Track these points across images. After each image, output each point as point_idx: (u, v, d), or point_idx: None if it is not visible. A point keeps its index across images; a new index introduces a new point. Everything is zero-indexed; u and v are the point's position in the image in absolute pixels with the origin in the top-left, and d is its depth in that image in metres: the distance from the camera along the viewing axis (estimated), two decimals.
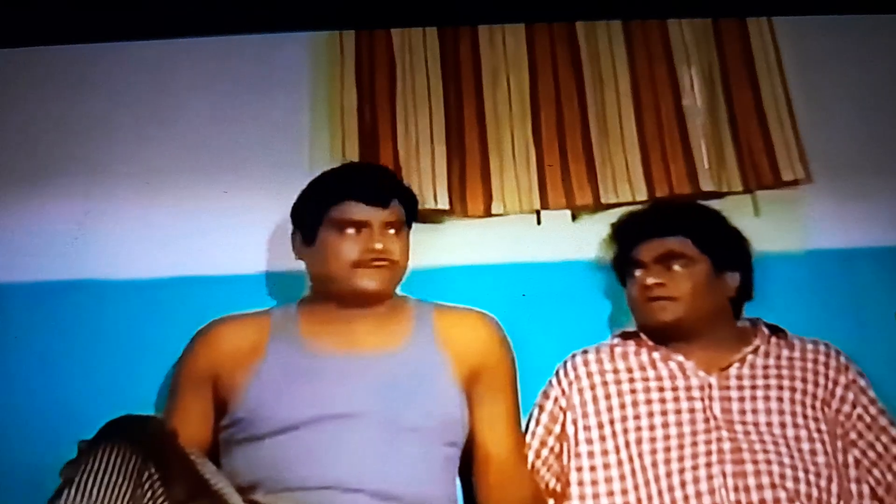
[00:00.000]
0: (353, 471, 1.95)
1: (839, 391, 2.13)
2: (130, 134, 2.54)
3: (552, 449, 2.16)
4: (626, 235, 2.27)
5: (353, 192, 2.10)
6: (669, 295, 2.14)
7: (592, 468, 2.08)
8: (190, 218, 2.46)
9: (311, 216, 2.13)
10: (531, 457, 2.16)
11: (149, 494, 1.74)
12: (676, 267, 2.16)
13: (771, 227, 2.44)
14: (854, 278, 2.39)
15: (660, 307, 2.15)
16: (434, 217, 2.46)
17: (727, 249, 2.21)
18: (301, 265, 2.19)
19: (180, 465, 1.80)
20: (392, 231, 2.11)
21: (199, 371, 2.10)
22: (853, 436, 2.09)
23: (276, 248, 2.38)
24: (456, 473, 2.09)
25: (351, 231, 2.09)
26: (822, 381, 2.13)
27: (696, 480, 2.00)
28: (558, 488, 2.14)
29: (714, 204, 2.42)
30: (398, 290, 2.17)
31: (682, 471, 2.02)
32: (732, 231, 2.26)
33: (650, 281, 2.16)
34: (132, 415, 1.89)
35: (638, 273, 2.19)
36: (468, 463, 2.12)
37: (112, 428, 1.81)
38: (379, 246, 2.08)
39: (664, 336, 2.17)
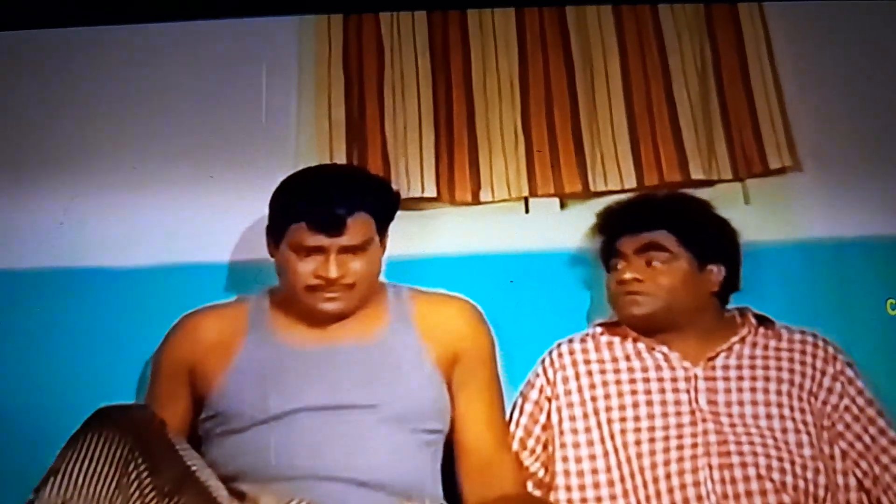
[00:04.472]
0: (337, 460, 1.95)
1: (827, 382, 2.12)
2: (116, 119, 2.51)
3: (538, 438, 2.15)
4: (611, 227, 2.25)
5: (303, 217, 2.01)
6: (645, 291, 2.14)
7: (578, 459, 2.08)
8: (176, 204, 2.44)
9: (274, 228, 2.08)
10: (516, 446, 2.15)
11: (135, 484, 1.75)
12: (657, 262, 2.14)
13: (761, 216, 2.42)
14: (844, 268, 2.37)
15: (633, 300, 2.14)
16: (421, 205, 2.44)
17: (711, 243, 2.19)
18: None
19: (167, 455, 1.80)
20: (351, 253, 2.02)
21: (176, 363, 2.09)
22: (840, 427, 2.09)
23: (263, 235, 2.36)
24: (439, 460, 2.08)
25: (306, 255, 2.02)
26: (809, 371, 2.12)
27: (681, 472, 2.00)
28: (546, 478, 2.13)
29: (704, 192, 2.41)
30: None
31: (667, 462, 2.01)
32: (718, 222, 2.24)
33: (628, 275, 2.15)
34: (121, 403, 1.90)
35: (619, 266, 2.18)
36: (452, 449, 2.11)
37: (100, 416, 1.81)
38: (333, 274, 2.01)
39: (643, 328, 2.16)
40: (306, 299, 2.05)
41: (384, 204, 2.11)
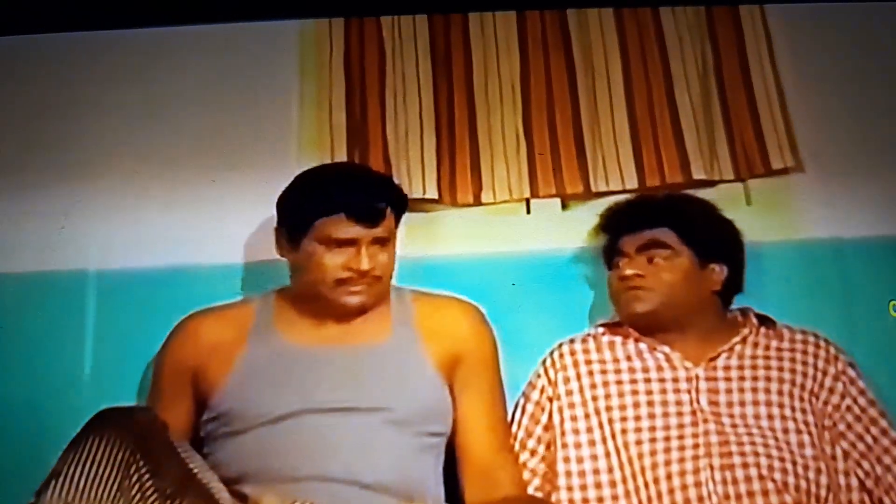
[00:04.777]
0: (340, 462, 1.94)
1: (828, 382, 2.11)
2: (118, 123, 2.52)
3: (539, 439, 2.14)
4: (613, 225, 2.26)
5: (343, 208, 2.01)
6: (647, 286, 2.14)
7: (579, 459, 2.07)
8: (178, 207, 2.45)
9: (297, 223, 2.07)
10: (518, 446, 2.14)
11: (136, 486, 1.73)
12: (658, 259, 2.15)
13: (762, 217, 2.42)
14: (846, 269, 2.37)
15: (634, 296, 2.15)
16: (423, 206, 2.44)
17: (713, 241, 2.19)
18: None
19: (168, 457, 1.79)
20: (380, 245, 2.05)
21: (179, 365, 2.08)
22: (842, 427, 2.08)
23: (265, 237, 2.35)
24: (442, 463, 2.07)
25: (337, 248, 2.03)
26: (810, 371, 2.11)
27: (682, 473, 1.99)
28: (549, 479, 2.11)
29: (706, 193, 2.41)
30: None
31: (668, 463, 2.01)
32: (721, 222, 2.25)
33: (629, 272, 2.15)
34: (122, 405, 1.89)
35: (621, 263, 2.19)
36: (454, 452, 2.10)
37: (102, 418, 1.80)
38: (366, 266, 2.02)
39: (644, 327, 2.16)
40: (331, 293, 2.04)
41: (400, 200, 2.13)
